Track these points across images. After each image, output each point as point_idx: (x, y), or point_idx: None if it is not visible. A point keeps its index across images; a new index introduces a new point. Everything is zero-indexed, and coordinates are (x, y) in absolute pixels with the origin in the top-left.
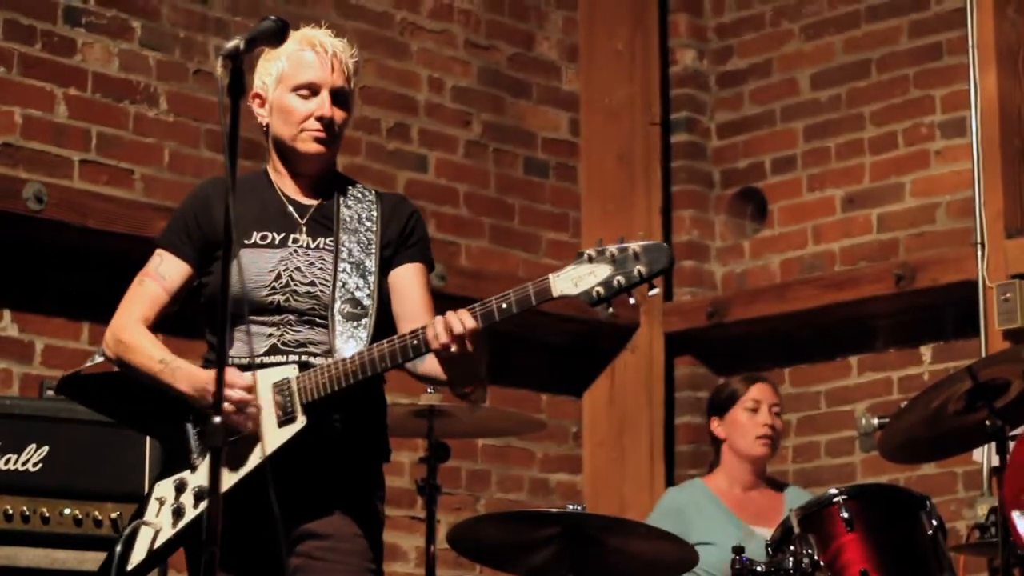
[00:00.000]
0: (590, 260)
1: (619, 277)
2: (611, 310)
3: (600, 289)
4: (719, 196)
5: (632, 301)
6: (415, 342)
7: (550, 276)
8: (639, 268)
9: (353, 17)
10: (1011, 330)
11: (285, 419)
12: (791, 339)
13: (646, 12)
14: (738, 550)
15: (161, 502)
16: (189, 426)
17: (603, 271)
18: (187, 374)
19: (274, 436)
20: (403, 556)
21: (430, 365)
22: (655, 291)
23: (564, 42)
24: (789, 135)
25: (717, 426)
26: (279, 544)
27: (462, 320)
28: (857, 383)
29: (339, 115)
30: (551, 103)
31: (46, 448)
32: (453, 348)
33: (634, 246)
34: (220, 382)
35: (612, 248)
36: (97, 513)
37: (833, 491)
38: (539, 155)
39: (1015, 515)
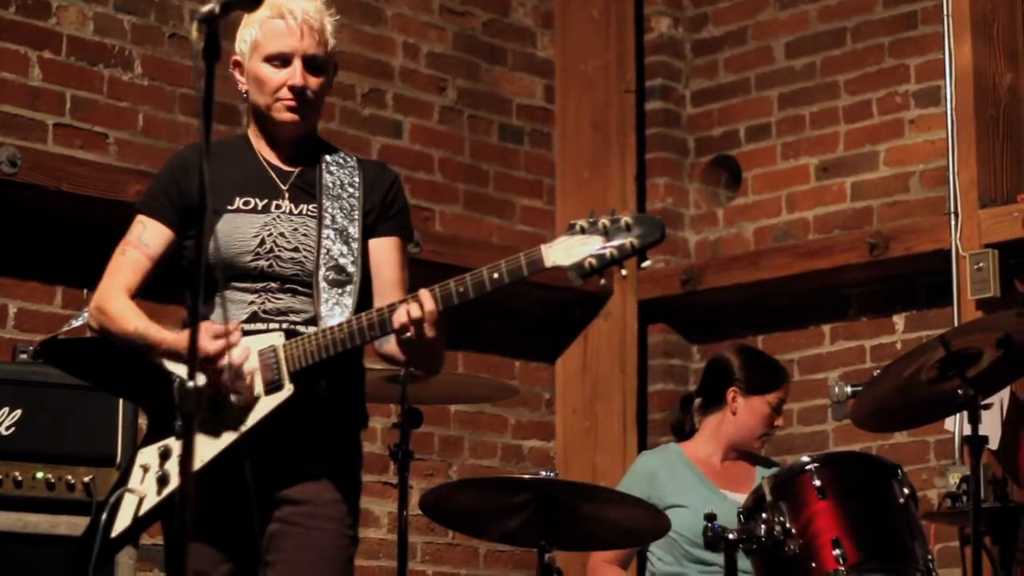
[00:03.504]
0: (582, 231)
1: (611, 248)
2: (602, 281)
3: (592, 260)
4: (693, 164)
5: (624, 273)
6: (390, 316)
7: (542, 246)
8: (631, 240)
9: None
10: (984, 299)
11: (272, 387)
12: (764, 307)
13: None
14: (710, 517)
15: (145, 469)
16: (173, 392)
17: (595, 242)
18: (170, 344)
19: (261, 404)
20: (375, 521)
21: (392, 346)
22: (647, 263)
23: (539, 8)
24: (764, 103)
25: (735, 397)
26: (253, 516)
27: (422, 304)
28: (830, 351)
29: (313, 82)
30: (526, 70)
31: (19, 412)
32: (410, 332)
33: (626, 218)
34: (193, 348)
35: (604, 219)
36: (70, 477)
37: (805, 459)
38: (514, 122)
39: None
